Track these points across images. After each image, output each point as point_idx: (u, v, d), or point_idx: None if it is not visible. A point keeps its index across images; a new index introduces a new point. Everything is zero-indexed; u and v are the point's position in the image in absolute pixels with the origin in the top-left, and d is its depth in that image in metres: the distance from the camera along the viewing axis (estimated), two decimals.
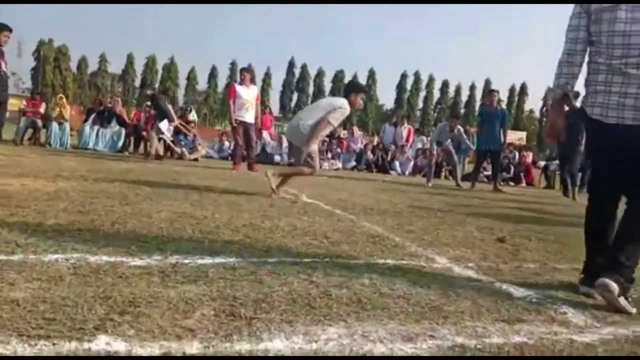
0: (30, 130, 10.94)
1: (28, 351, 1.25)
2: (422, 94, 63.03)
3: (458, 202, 6.27)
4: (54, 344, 1.29)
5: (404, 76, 62.12)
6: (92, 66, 57.85)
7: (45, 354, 1.25)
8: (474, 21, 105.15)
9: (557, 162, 12.77)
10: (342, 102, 4.94)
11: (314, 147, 4.88)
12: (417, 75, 62.27)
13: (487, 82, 63.79)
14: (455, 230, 3.79)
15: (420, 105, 63.30)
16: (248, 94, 8.59)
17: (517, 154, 14.35)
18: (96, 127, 10.89)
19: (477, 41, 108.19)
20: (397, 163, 13.17)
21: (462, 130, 9.69)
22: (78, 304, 1.57)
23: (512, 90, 63.99)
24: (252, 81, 9.27)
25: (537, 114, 63.21)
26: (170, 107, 10.84)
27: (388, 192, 6.87)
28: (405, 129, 14.48)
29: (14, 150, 8.43)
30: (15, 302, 1.53)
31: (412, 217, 4.31)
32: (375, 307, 1.79)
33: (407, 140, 14.23)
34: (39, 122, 10.87)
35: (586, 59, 2.31)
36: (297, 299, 1.78)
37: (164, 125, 9.84)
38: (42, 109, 11.17)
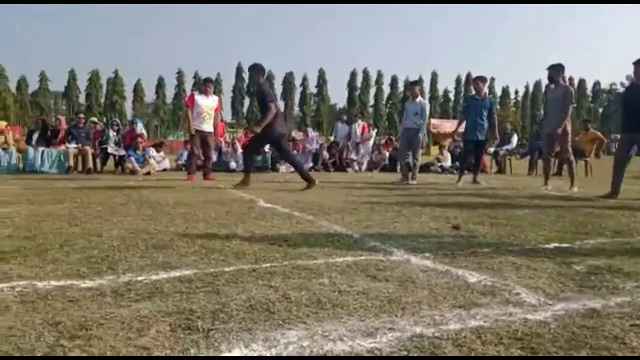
0: None
1: None
2: (373, 90, 63.84)
3: (413, 194, 6.38)
4: None
5: (353, 74, 62.72)
6: (33, 85, 55.56)
7: None
8: (417, 18, 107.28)
9: (507, 147, 13.24)
10: None
11: None
12: (365, 72, 63.03)
13: (434, 75, 65.30)
14: (411, 222, 3.85)
15: (372, 101, 64.09)
16: (207, 103, 8.54)
17: None
18: (41, 148, 10.45)
19: (417, 35, 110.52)
20: (354, 161, 13.28)
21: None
22: (26, 332, 1.50)
23: (458, 80, 65.66)
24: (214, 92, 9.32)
25: None
26: None
27: (345, 189, 6.91)
28: (359, 126, 14.62)
29: None
30: None
31: (370, 213, 4.35)
32: (335, 305, 1.79)
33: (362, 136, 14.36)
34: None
35: None
36: (255, 306, 1.76)
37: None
38: None
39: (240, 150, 12.81)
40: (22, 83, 54.78)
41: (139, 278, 2.12)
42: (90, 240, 2.91)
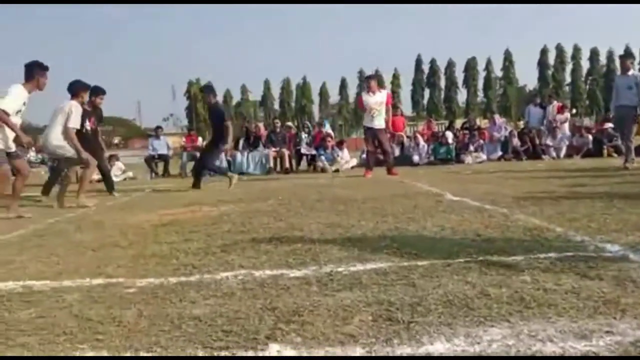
0: (191, 163, 12.30)
1: None
2: (569, 67, 57.34)
3: (627, 182, 5.59)
4: (233, 354, 1.43)
5: (544, 51, 57.18)
6: (236, 97, 62.85)
7: None
8: None
9: None
10: (69, 103, 5.78)
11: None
12: (559, 48, 56.87)
13: None
14: (626, 213, 3.38)
15: (568, 79, 57.64)
16: (373, 100, 8.63)
17: None
18: (246, 152, 11.82)
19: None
20: (550, 146, 12.14)
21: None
22: (249, 316, 1.72)
23: None
24: (381, 86, 9.42)
25: None
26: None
27: (542, 179, 6.38)
28: (554, 108, 13.29)
29: (180, 183, 9.53)
30: (197, 318, 1.73)
31: (573, 203, 3.94)
32: (541, 304, 1.67)
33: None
34: (198, 155, 12.17)
35: None
36: (453, 301, 1.75)
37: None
38: (199, 143, 12.51)
39: (422, 143, 12.73)
40: (227, 96, 62.39)
41: (339, 269, 2.27)
42: (294, 233, 3.21)
